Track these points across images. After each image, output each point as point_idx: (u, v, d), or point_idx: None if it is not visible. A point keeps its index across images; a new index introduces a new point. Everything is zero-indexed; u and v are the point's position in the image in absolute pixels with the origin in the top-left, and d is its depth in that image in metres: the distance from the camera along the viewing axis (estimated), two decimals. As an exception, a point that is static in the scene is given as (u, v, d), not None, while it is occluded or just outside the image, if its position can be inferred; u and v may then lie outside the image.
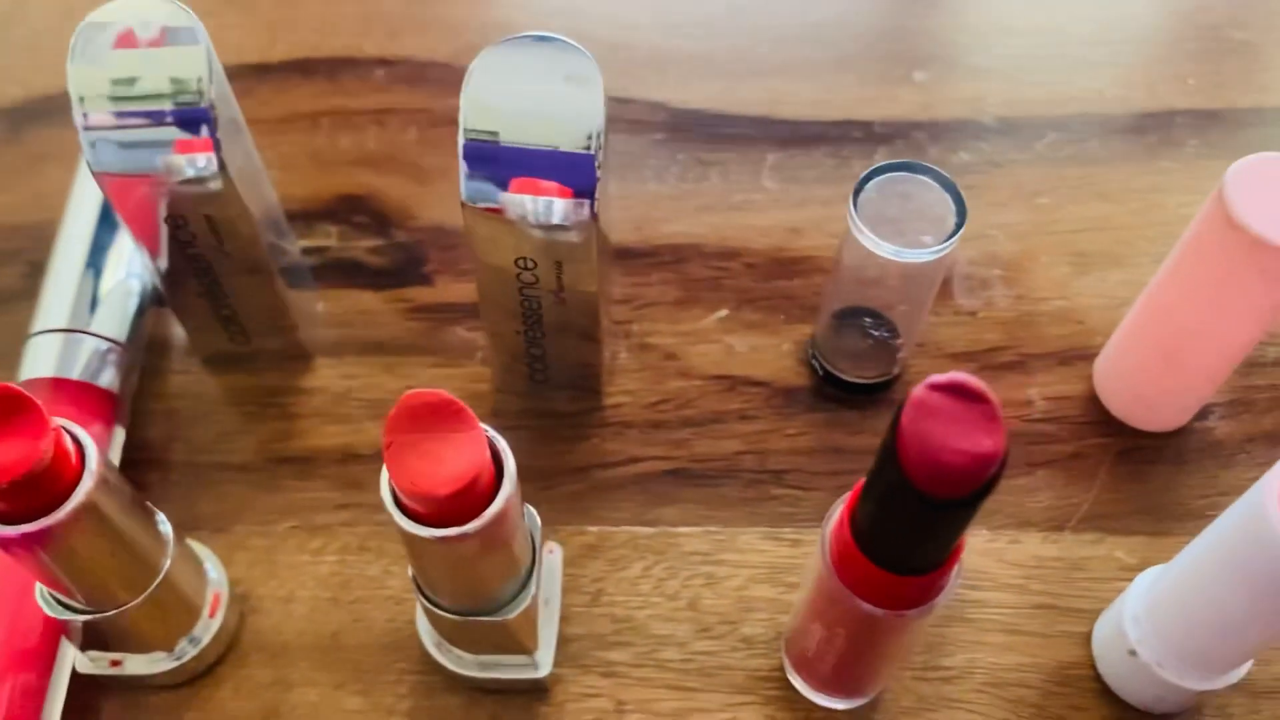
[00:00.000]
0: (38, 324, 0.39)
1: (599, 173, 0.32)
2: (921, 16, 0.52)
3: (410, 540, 0.28)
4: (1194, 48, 0.52)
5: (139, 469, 0.40)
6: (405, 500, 0.28)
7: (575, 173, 0.32)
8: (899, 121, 0.49)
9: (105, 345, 0.39)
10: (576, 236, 0.33)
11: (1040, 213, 0.46)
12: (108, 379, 0.39)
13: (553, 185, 0.32)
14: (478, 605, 0.32)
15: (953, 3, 0.54)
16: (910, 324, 0.41)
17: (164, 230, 0.36)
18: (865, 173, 0.36)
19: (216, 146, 0.33)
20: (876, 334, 0.41)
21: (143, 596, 0.32)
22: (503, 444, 0.29)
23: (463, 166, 0.32)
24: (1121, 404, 0.42)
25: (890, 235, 0.36)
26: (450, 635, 0.34)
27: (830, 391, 0.42)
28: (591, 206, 0.32)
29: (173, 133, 0.33)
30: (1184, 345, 0.38)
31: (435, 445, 0.27)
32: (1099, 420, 0.42)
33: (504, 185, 0.32)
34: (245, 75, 0.50)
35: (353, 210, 0.46)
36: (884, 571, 0.28)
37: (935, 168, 0.36)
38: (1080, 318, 0.44)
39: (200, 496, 0.40)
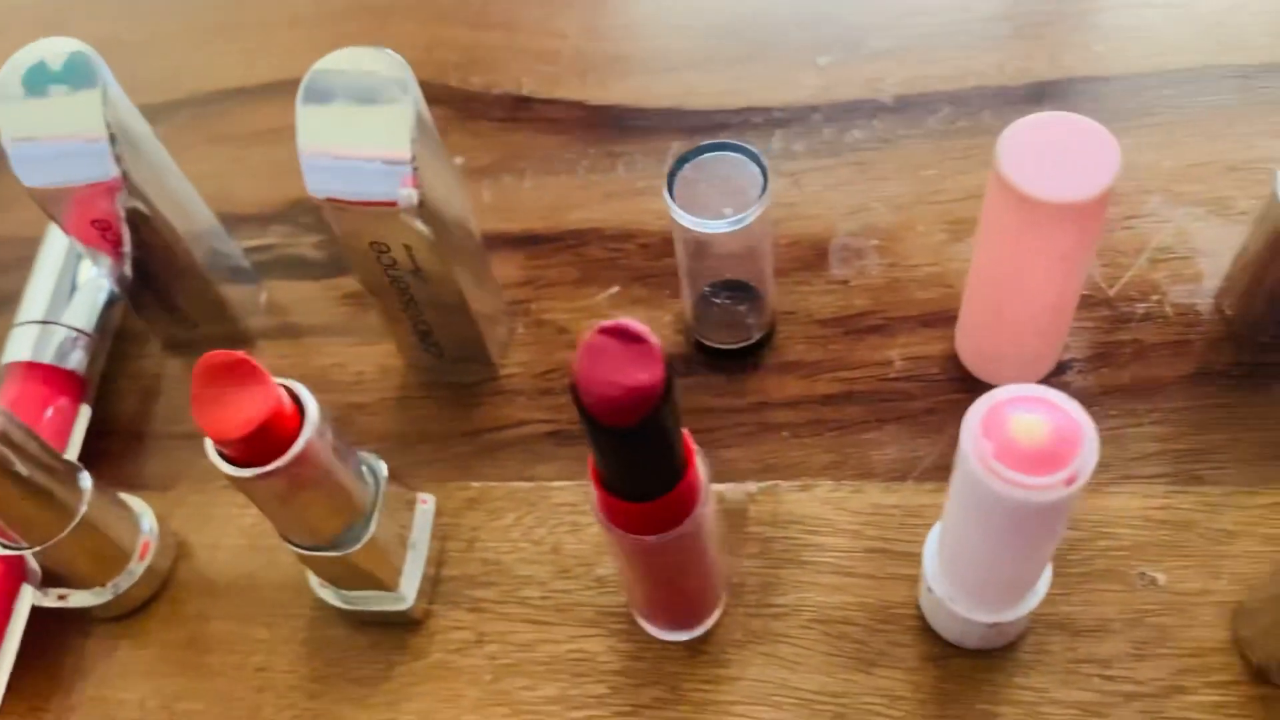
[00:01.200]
0: (19, 316, 0.46)
1: (413, 165, 0.37)
2: (833, 3, 0.55)
3: (232, 481, 0.34)
4: (1106, 17, 0.52)
5: (106, 439, 0.47)
6: (219, 446, 0.33)
7: (393, 171, 0.37)
8: (798, 105, 0.52)
9: (74, 334, 0.47)
10: (409, 220, 0.38)
11: (924, 184, 0.48)
12: (75, 362, 0.46)
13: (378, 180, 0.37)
14: (317, 541, 0.37)
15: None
16: (760, 292, 0.44)
17: (125, 232, 0.43)
18: (681, 154, 0.40)
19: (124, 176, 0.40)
20: (724, 302, 0.44)
21: (59, 536, 0.39)
22: (307, 395, 0.34)
23: (306, 171, 0.38)
24: (976, 362, 0.44)
25: (703, 210, 0.39)
26: (318, 572, 0.40)
27: (701, 358, 0.46)
28: (412, 195, 0.37)
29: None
30: (1004, 301, 0.40)
31: (233, 397, 0.32)
32: (957, 378, 0.44)
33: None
34: (227, 98, 0.57)
35: (300, 212, 0.52)
36: (620, 500, 0.32)
37: (748, 146, 0.40)
38: (950, 282, 0.46)
39: (151, 460, 0.47)
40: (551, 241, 0.50)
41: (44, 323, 0.46)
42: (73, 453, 0.45)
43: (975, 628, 0.37)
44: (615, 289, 0.48)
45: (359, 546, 0.37)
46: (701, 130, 0.52)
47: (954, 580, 0.36)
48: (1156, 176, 0.47)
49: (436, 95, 0.55)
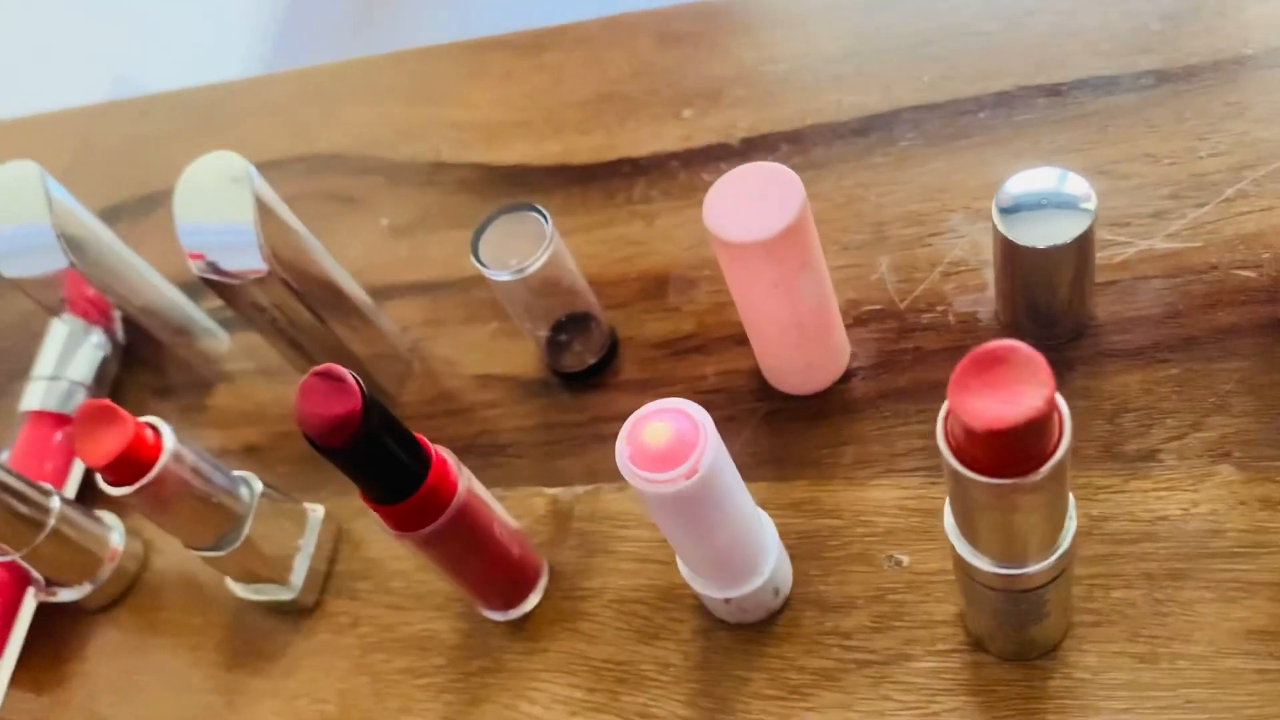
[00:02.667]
0: (33, 373, 0.59)
1: (259, 242, 0.47)
2: (700, 61, 0.62)
3: (115, 498, 0.44)
4: (938, 48, 0.57)
5: (104, 468, 0.59)
6: (101, 473, 0.43)
7: (244, 244, 0.47)
8: (661, 154, 0.59)
9: (77, 384, 0.59)
10: (262, 286, 0.48)
11: (754, 217, 0.55)
12: (76, 406, 0.58)
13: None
14: (199, 543, 0.47)
15: (728, 46, 0.62)
16: (590, 323, 0.51)
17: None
18: (487, 216, 0.48)
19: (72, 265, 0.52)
20: (560, 336, 0.52)
21: (33, 545, 0.50)
22: (167, 431, 0.44)
23: (187, 257, 0.48)
24: (770, 374, 0.50)
25: (505, 263, 0.47)
26: (216, 568, 0.50)
27: (556, 381, 0.53)
28: (260, 266, 0.47)
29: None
30: (754, 323, 0.46)
31: (102, 435, 0.43)
32: (758, 389, 0.50)
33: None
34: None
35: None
36: (375, 504, 0.40)
37: (536, 206, 0.47)
38: (765, 304, 0.52)
39: (132, 484, 0.58)
40: (448, 287, 0.58)
41: (52, 378, 0.59)
42: (74, 479, 0.57)
43: (716, 603, 0.43)
44: (494, 324, 0.56)
45: (236, 547, 0.47)
46: (578, 182, 0.59)
47: (683, 562, 0.43)
48: (961, 195, 0.52)
49: (371, 166, 0.65)
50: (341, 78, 0.71)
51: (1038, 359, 0.29)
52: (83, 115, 0.79)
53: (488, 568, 0.45)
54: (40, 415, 0.58)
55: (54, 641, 0.54)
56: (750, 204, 0.41)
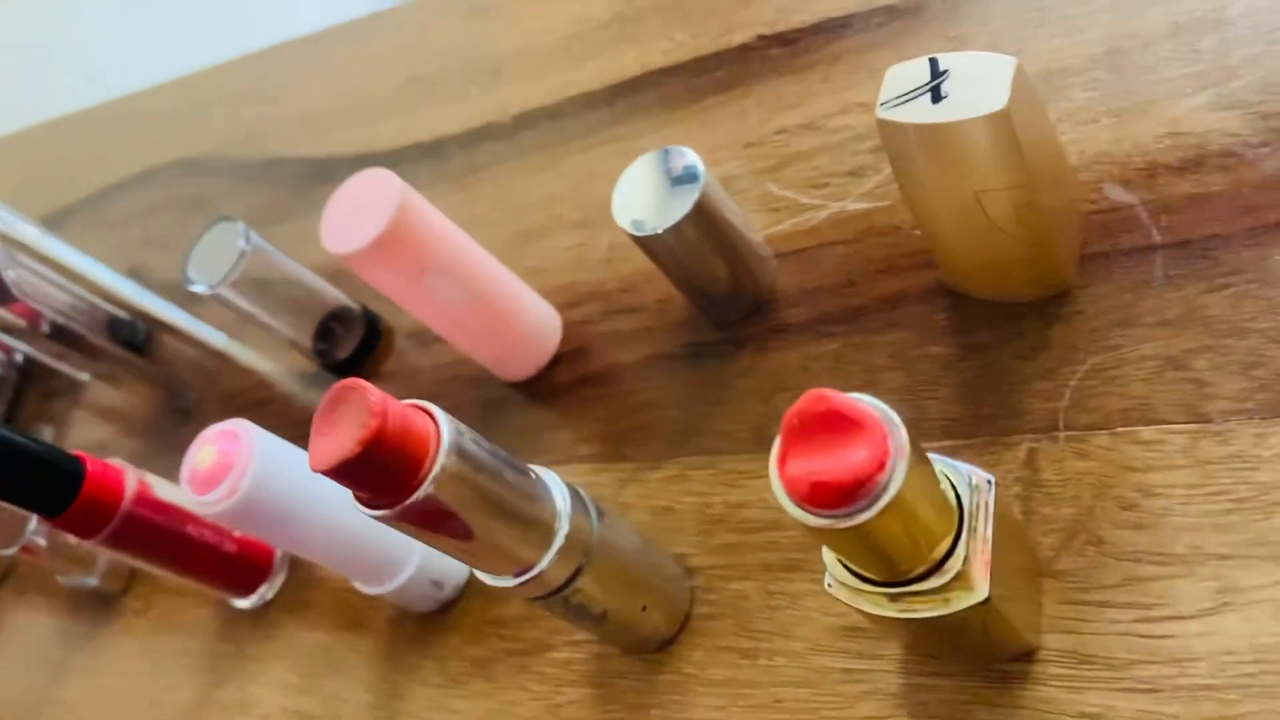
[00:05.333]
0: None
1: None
2: (493, 36, 0.61)
3: None
4: (694, 1, 0.54)
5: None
6: None
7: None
8: (444, 137, 0.59)
9: None
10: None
11: (506, 201, 0.54)
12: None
13: None
14: None
15: (517, 16, 0.61)
16: (349, 318, 0.53)
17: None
18: (203, 227, 0.51)
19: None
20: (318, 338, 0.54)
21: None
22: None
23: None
24: (485, 361, 0.50)
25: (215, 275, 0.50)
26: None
27: (325, 374, 0.56)
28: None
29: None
30: (424, 321, 0.47)
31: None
32: (483, 376, 0.50)
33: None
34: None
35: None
36: (43, 517, 0.44)
37: (233, 217, 0.50)
38: (499, 289, 0.52)
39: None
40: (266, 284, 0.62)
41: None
42: None
43: (380, 600, 0.45)
44: (290, 320, 0.59)
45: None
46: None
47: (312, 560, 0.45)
48: (685, 163, 0.50)
49: (219, 168, 0.69)
50: (212, 83, 0.75)
51: (369, 396, 0.29)
52: None
53: (192, 564, 0.48)
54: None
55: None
56: (358, 214, 0.42)
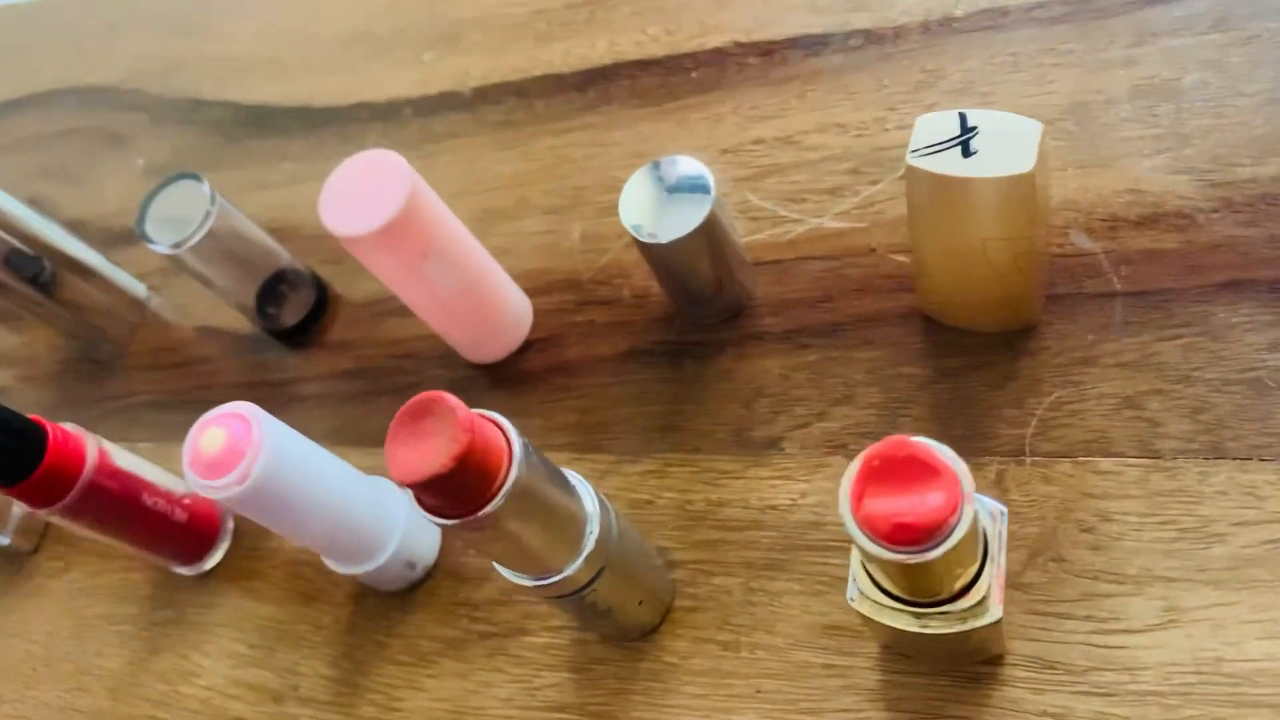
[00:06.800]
0: None
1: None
2: (447, 2, 0.60)
3: None
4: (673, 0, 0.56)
5: None
6: None
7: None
8: (397, 100, 0.58)
9: None
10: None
11: (471, 175, 0.54)
12: None
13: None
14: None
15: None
16: (295, 281, 0.52)
17: None
18: (152, 189, 0.48)
19: None
20: (260, 301, 0.53)
21: None
22: None
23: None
24: (458, 342, 0.50)
25: (172, 234, 0.48)
26: None
27: (265, 337, 0.54)
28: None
29: None
30: (409, 304, 0.47)
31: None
32: (446, 356, 0.51)
33: None
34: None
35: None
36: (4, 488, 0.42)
37: (197, 175, 0.48)
38: (463, 267, 0.52)
39: None
40: (189, 234, 0.59)
41: None
42: None
43: (352, 579, 0.45)
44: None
45: (-71, 502, 0.49)
46: (318, 126, 0.59)
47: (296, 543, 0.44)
48: (659, 160, 0.51)
49: (137, 102, 0.65)
50: (125, 4, 0.70)
51: (457, 411, 0.30)
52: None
53: (144, 533, 0.47)
54: None
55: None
56: (363, 195, 0.41)
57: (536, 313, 0.50)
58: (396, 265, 0.42)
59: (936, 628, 0.33)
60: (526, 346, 0.50)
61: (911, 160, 0.36)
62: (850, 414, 0.43)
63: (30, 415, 0.42)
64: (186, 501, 0.48)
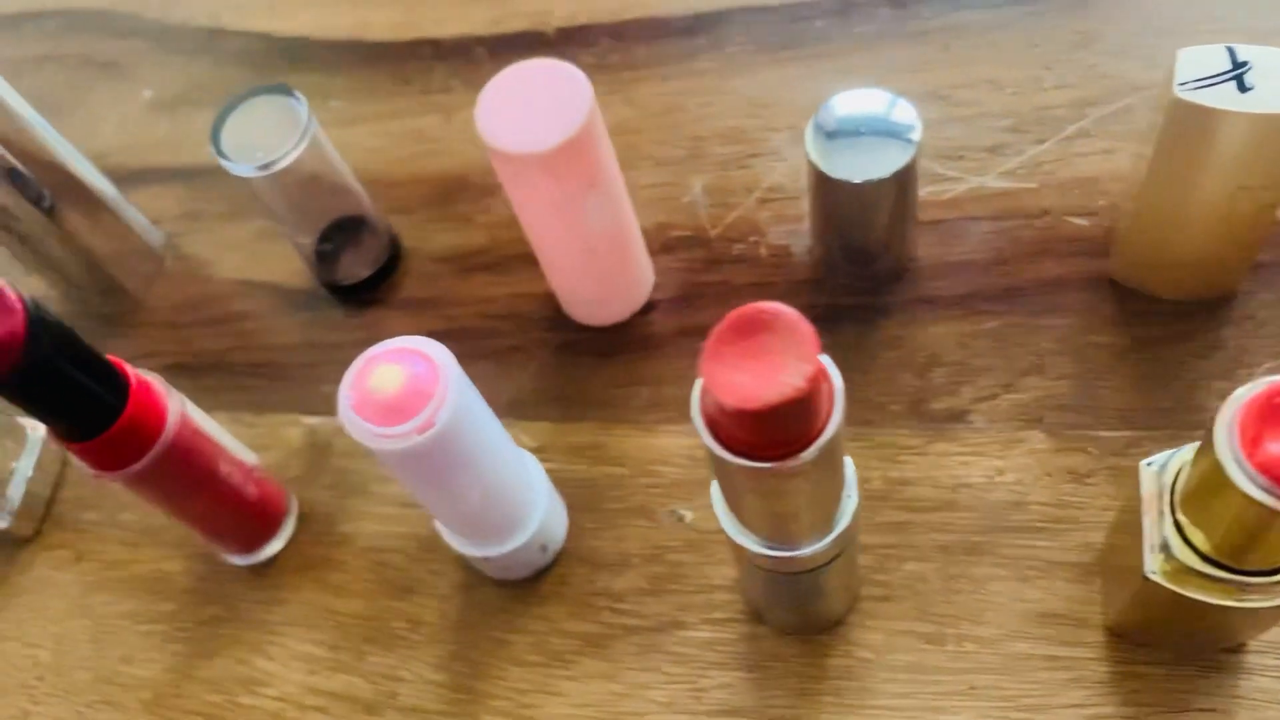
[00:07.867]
0: None
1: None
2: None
3: None
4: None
5: None
6: None
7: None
8: (467, 37, 0.52)
9: None
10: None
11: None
12: None
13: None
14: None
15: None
16: (364, 230, 0.45)
17: None
18: (233, 98, 0.41)
19: None
20: (326, 245, 0.45)
21: None
22: None
23: None
24: (564, 301, 0.44)
25: (252, 155, 0.40)
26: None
27: (324, 294, 0.47)
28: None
29: None
30: (543, 248, 0.41)
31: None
32: (552, 317, 0.45)
33: None
34: None
35: None
36: (70, 442, 0.34)
37: (292, 89, 0.40)
38: (565, 220, 0.46)
39: None
40: (209, 175, 0.51)
41: None
42: None
43: (476, 561, 0.38)
44: (260, 222, 0.49)
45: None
46: (370, 63, 0.52)
47: (437, 517, 0.38)
48: (785, 113, 0.47)
49: (134, 28, 0.57)
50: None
51: (804, 328, 0.24)
52: None
53: (214, 509, 0.39)
54: None
55: None
56: (531, 109, 0.35)
57: (658, 271, 0.45)
58: (557, 195, 0.37)
59: (1258, 601, 0.29)
60: (649, 308, 0.44)
61: (1180, 93, 0.33)
62: (1042, 385, 0.40)
63: (110, 357, 0.34)
64: (258, 475, 0.40)
